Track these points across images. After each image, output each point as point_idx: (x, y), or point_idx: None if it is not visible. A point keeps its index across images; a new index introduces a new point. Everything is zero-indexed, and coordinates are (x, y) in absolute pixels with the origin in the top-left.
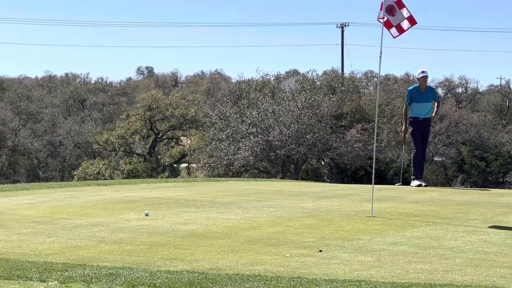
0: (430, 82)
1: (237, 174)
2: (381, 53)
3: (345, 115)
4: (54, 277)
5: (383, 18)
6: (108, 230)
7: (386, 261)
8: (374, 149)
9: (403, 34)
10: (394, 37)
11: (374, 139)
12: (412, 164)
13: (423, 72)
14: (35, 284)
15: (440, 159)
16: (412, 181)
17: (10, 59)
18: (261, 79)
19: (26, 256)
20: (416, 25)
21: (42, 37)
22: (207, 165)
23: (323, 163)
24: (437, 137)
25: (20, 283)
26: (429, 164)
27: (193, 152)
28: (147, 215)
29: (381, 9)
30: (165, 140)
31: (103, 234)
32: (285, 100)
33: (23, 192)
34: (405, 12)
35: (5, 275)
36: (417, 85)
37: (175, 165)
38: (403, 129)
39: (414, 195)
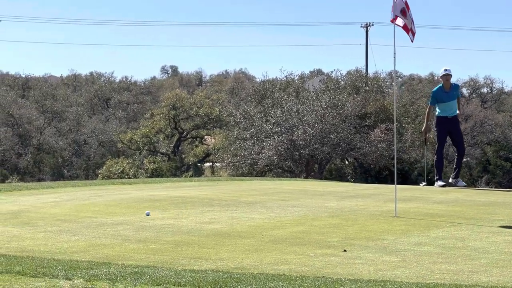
0: (455, 82)
1: (261, 173)
2: (394, 53)
3: (369, 115)
4: (79, 275)
5: (396, 18)
6: (132, 229)
7: (411, 262)
8: (395, 149)
9: (414, 37)
10: (412, 41)
11: (396, 139)
12: (435, 165)
13: (445, 70)
14: (60, 282)
15: (464, 159)
16: (435, 182)
17: (36, 58)
18: (285, 78)
19: (52, 254)
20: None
21: (67, 36)
22: (231, 164)
23: (347, 163)
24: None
25: (46, 281)
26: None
27: (217, 151)
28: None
29: (392, 10)
30: (189, 139)
31: (128, 233)
32: (309, 100)
33: (48, 190)
34: (412, 15)
35: (31, 272)
36: (441, 84)
37: (199, 164)
38: (423, 129)
39: (438, 196)
